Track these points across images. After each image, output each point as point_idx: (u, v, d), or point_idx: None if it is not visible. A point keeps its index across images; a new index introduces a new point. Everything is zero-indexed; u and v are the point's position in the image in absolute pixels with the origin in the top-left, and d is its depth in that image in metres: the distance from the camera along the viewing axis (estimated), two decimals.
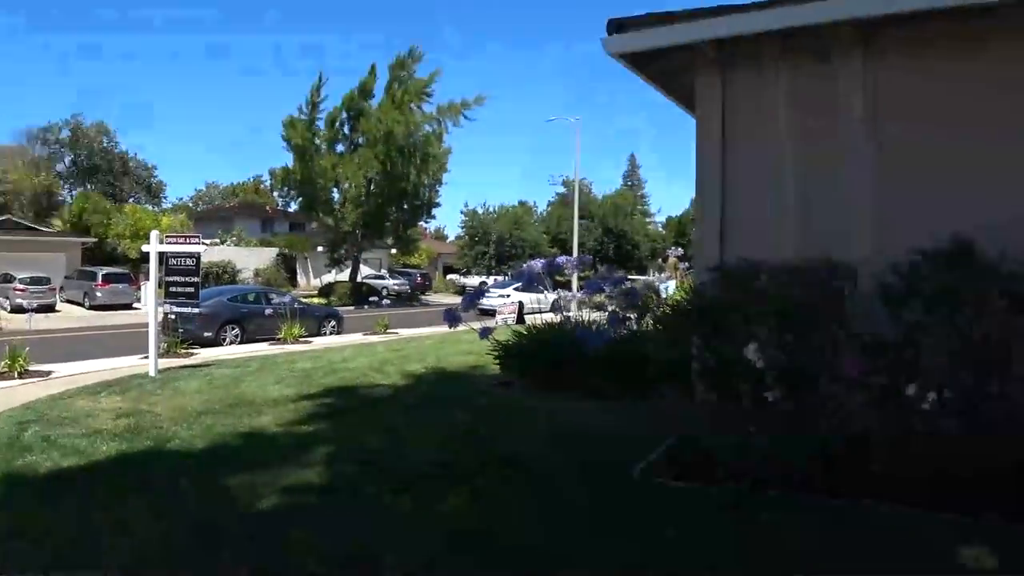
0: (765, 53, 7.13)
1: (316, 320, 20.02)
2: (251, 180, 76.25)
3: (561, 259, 10.33)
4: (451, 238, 76.60)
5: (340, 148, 39.05)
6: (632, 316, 7.78)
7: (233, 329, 18.07)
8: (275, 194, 52.48)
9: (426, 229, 59.99)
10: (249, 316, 18.57)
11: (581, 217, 49.78)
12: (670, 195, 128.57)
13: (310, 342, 17.09)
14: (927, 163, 6.39)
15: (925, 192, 6.35)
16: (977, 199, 6.00)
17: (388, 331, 19.16)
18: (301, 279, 48.72)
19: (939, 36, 6.30)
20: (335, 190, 38.95)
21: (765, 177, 7.06)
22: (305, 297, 30.33)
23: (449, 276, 59.65)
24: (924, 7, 5.98)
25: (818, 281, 5.70)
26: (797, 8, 6.44)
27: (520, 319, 16.76)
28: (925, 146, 6.43)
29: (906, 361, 5.07)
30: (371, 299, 24.62)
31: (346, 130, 39.09)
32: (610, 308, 8.33)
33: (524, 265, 10.20)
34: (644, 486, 5.20)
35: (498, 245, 61.49)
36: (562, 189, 68.69)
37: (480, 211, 65.09)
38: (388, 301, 26.57)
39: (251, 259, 44.18)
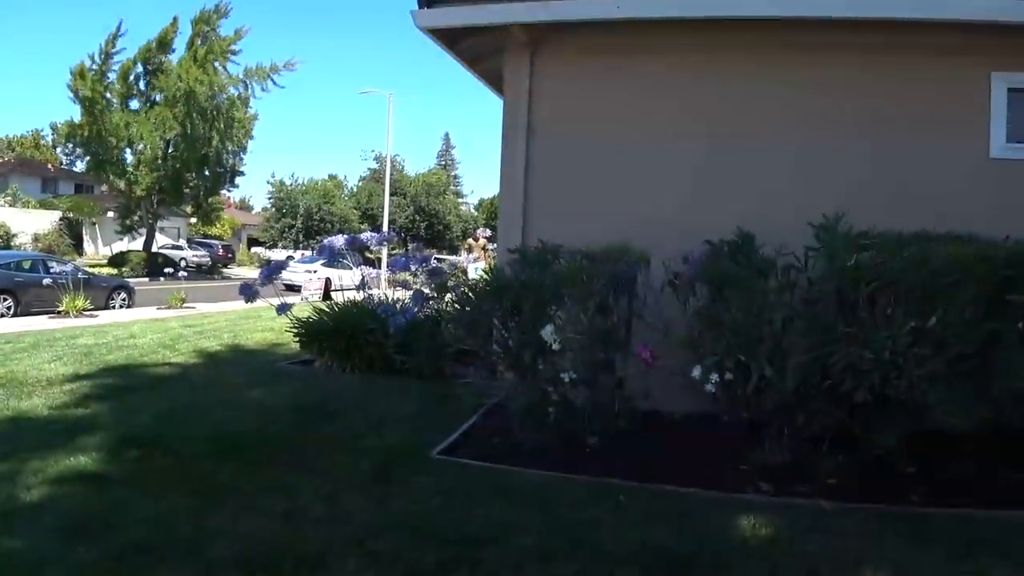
0: (577, 42, 7.30)
1: (104, 292, 18.55)
2: (30, 134, 68.94)
3: (365, 235, 10.17)
4: (257, 209, 73.49)
5: (135, 105, 36.11)
6: (437, 295, 7.81)
7: (5, 300, 16.36)
8: (58, 151, 47.71)
9: (229, 198, 57.07)
10: (24, 286, 16.85)
11: (393, 194, 49.33)
12: (484, 177, 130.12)
13: (96, 316, 15.82)
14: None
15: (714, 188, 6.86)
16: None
17: (185, 305, 18.14)
18: (89, 247, 44.88)
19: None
20: (128, 150, 35.89)
21: (571, 165, 7.28)
22: (93, 267, 28.04)
23: (254, 249, 57.24)
24: None
25: (613, 266, 5.97)
26: (610, 2, 6.67)
27: (327, 296, 16.38)
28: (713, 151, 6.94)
29: (692, 344, 5.44)
30: (167, 271, 23.11)
31: (141, 85, 36.16)
32: (415, 286, 8.33)
33: (325, 240, 9.92)
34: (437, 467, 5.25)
35: (306, 218, 59.73)
36: (375, 164, 67.63)
37: (288, 183, 62.92)
38: (186, 274, 25.01)
39: (29, 222, 40.09)
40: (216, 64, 35.74)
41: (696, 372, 5.22)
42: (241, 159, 40.67)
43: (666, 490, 4.83)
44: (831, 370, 4.75)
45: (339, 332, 8.49)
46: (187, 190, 38.55)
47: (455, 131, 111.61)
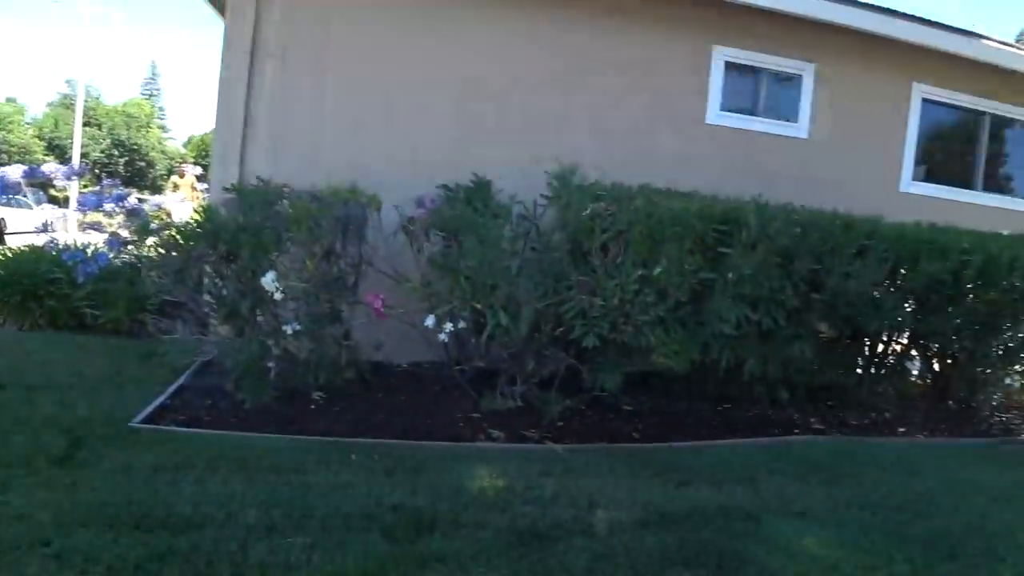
0: None
1: None
2: None
3: (48, 168, 8.71)
4: None
5: None
6: (137, 239, 6.89)
7: None
8: None
9: None
10: None
11: (87, 125, 44.11)
12: (194, 112, 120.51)
13: None
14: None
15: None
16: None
17: None
18: None
19: None
20: None
21: (298, 96, 6.72)
22: None
23: None
24: None
25: (342, 208, 5.59)
26: None
27: (0, 239, 14.14)
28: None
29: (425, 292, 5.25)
30: None
31: None
32: (110, 229, 7.28)
33: None
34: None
35: None
36: (66, 90, 59.72)
37: None
38: None
39: None
40: None
41: (429, 321, 5.09)
42: None
43: (399, 444, 4.63)
44: (563, 317, 4.81)
45: (13, 283, 7.25)
46: None
47: (165, 62, 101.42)
